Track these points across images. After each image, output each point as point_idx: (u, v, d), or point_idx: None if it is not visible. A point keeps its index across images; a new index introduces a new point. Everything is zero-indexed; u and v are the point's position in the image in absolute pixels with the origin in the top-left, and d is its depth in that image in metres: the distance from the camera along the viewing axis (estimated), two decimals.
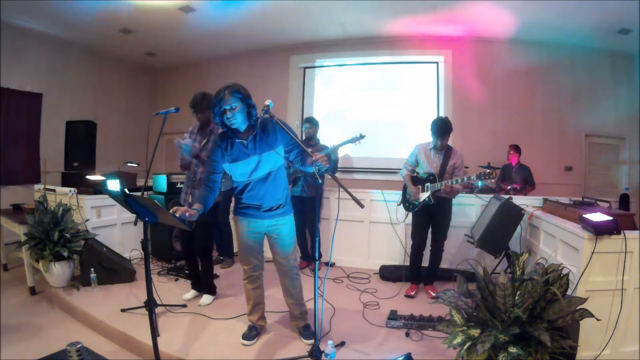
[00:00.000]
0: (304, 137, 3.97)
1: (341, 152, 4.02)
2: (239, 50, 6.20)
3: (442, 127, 2.94)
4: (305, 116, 6.05)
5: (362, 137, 3.68)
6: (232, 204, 4.10)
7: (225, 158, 2.09)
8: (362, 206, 1.82)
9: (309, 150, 1.97)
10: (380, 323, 2.59)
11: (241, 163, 2.07)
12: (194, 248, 2.95)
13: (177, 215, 1.81)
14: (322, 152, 3.65)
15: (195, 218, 1.87)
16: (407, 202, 3.22)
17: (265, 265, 2.37)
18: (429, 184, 3.02)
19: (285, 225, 2.21)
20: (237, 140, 2.07)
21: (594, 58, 5.19)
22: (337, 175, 2.97)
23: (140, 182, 4.35)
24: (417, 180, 3.12)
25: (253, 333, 2.34)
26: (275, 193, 2.14)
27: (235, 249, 4.13)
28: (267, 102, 1.95)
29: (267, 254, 2.30)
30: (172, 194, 3.85)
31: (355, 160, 5.75)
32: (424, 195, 3.02)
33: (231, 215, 3.26)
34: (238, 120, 2.01)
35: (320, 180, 1.88)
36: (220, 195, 2.88)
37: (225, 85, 2.01)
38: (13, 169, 4.97)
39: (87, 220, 3.48)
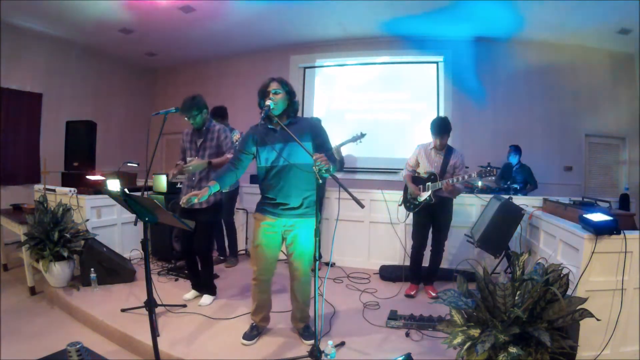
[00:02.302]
0: None
1: (343, 152, 4.07)
2: (239, 50, 6.18)
3: (441, 127, 2.95)
4: (305, 116, 6.08)
5: (362, 135, 3.70)
6: (236, 205, 4.16)
7: (256, 140, 2.18)
8: (362, 206, 1.82)
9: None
10: (380, 323, 2.59)
11: (268, 147, 2.15)
12: (194, 248, 2.95)
13: (185, 200, 1.92)
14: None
15: (206, 197, 1.97)
16: (408, 202, 3.23)
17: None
18: (429, 183, 3.03)
19: (304, 228, 2.18)
20: (269, 126, 2.16)
21: (594, 58, 5.19)
22: (338, 175, 2.97)
23: (140, 182, 4.35)
24: (419, 181, 3.12)
25: (254, 333, 2.34)
26: (296, 190, 2.14)
27: (240, 248, 4.18)
28: (268, 102, 1.95)
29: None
30: (172, 194, 3.85)
31: (355, 160, 5.75)
32: (425, 194, 3.03)
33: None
34: (278, 105, 2.09)
35: (320, 180, 1.88)
36: (223, 194, 2.90)
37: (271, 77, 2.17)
38: (13, 169, 4.97)
39: (87, 220, 3.48)
